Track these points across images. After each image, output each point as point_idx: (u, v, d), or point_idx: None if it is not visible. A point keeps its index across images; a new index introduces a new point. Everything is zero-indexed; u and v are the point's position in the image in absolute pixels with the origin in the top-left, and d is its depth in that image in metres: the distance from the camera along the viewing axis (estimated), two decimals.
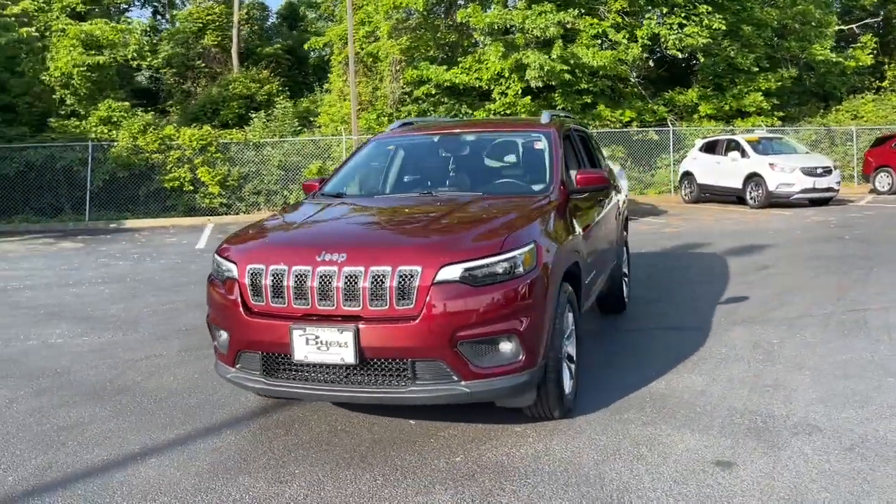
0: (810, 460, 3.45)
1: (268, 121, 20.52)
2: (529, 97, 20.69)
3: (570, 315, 4.24)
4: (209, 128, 19.56)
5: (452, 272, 3.44)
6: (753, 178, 16.87)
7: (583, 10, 20.84)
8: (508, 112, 21.01)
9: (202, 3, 27.20)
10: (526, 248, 3.65)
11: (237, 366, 3.81)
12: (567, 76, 20.15)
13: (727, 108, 21.92)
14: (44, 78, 19.07)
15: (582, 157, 5.61)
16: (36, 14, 21.01)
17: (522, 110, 20.71)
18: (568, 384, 4.06)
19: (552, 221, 4.19)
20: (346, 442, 3.85)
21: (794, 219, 14.49)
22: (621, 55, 20.51)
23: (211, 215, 18.62)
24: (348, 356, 3.44)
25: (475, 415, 4.05)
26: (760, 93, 21.71)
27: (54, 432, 4.11)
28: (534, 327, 3.60)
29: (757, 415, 4.06)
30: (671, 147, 21.45)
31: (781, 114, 22.68)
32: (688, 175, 19.14)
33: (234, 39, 25.50)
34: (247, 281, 3.68)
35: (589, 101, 21.43)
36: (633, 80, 22.60)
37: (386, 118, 20.97)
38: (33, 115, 19.36)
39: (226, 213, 19.14)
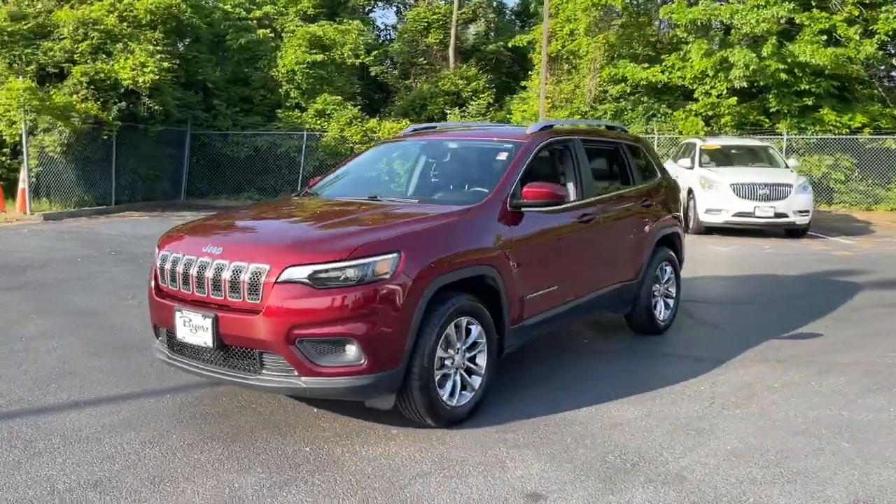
0: None
1: (462, 117, 21.31)
2: (735, 98, 19.19)
3: (477, 328, 4.23)
4: (408, 122, 20.83)
5: (297, 273, 3.67)
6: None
7: (811, 3, 18.84)
8: (711, 114, 19.70)
9: (431, 2, 28.82)
10: (384, 257, 3.75)
11: (158, 339, 4.38)
12: (783, 76, 18.38)
13: None
14: (273, 73, 21.64)
15: (578, 171, 5.37)
16: (275, 17, 23.85)
17: (726, 111, 19.29)
18: (466, 395, 4.17)
19: (454, 233, 4.20)
20: (226, 421, 4.26)
21: None
22: (850, 52, 18.23)
23: None
24: (209, 340, 3.84)
25: (386, 414, 4.16)
26: None
27: None
28: (382, 333, 3.70)
29: (628, 459, 3.77)
30: None
31: None
32: None
33: (452, 37, 26.66)
34: (157, 264, 4.23)
35: (810, 103, 19.31)
36: (870, 80, 19.95)
37: (579, 116, 20.75)
38: (266, 106, 22.06)
39: None
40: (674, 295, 6.55)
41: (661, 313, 6.35)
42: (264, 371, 3.79)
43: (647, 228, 6.06)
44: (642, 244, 6.01)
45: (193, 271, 3.94)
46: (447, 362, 4.12)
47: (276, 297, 3.66)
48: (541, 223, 4.87)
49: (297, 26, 22.45)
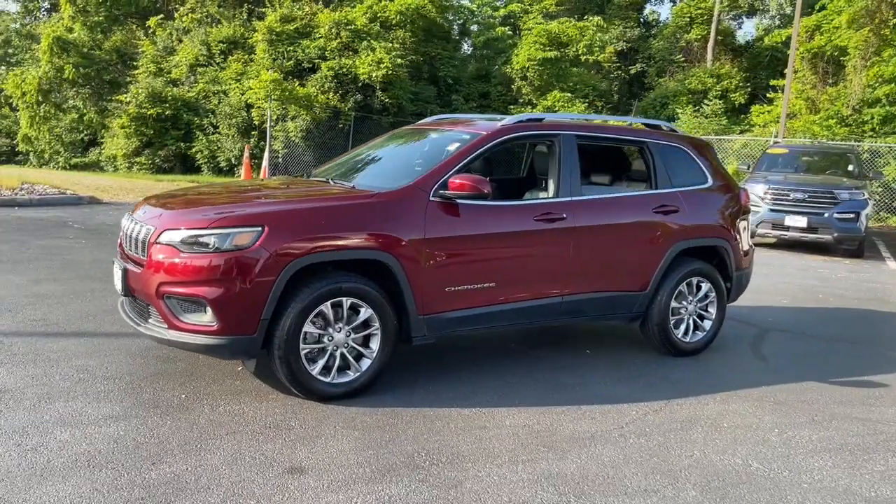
0: None
1: (695, 116, 20.02)
2: None
3: (367, 311, 4.36)
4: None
5: (171, 236, 4.14)
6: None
7: None
8: None
9: None
10: (244, 230, 4.06)
11: None
12: None
13: None
14: (507, 70, 22.31)
15: (559, 168, 5.11)
16: (520, 15, 24.46)
17: None
18: (349, 374, 4.33)
19: (340, 216, 4.36)
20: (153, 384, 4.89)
21: None
22: None
23: None
24: (119, 287, 4.51)
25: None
26: None
27: None
28: (234, 300, 4.01)
29: (431, 458, 3.67)
30: None
31: None
32: None
33: (712, 33, 24.98)
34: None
35: None
36: None
37: (833, 121, 18.31)
38: (502, 102, 22.86)
39: None
40: (712, 316, 5.84)
41: (686, 333, 5.72)
42: (150, 321, 4.33)
43: (661, 236, 5.51)
44: (653, 253, 5.48)
45: (128, 229, 4.63)
46: (325, 339, 4.31)
47: (153, 255, 4.17)
48: (478, 217, 4.76)
49: (536, 23, 22.83)
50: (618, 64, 26.08)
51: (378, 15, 20.67)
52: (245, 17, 21.56)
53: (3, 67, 26.78)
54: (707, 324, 5.83)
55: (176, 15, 22.40)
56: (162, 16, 22.66)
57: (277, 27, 19.49)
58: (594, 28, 22.15)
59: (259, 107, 17.92)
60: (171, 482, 3.25)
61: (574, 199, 5.16)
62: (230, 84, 18.74)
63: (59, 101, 22.77)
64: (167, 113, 18.57)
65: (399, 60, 19.18)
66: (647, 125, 6.06)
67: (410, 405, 4.36)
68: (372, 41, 19.46)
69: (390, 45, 19.52)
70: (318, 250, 4.22)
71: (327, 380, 4.33)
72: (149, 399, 4.20)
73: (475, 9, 23.78)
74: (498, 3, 24.39)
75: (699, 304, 5.78)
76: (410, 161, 5.30)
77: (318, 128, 18.08)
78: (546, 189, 5.45)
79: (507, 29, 23.20)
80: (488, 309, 4.84)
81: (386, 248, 4.39)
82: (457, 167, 4.78)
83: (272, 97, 17.21)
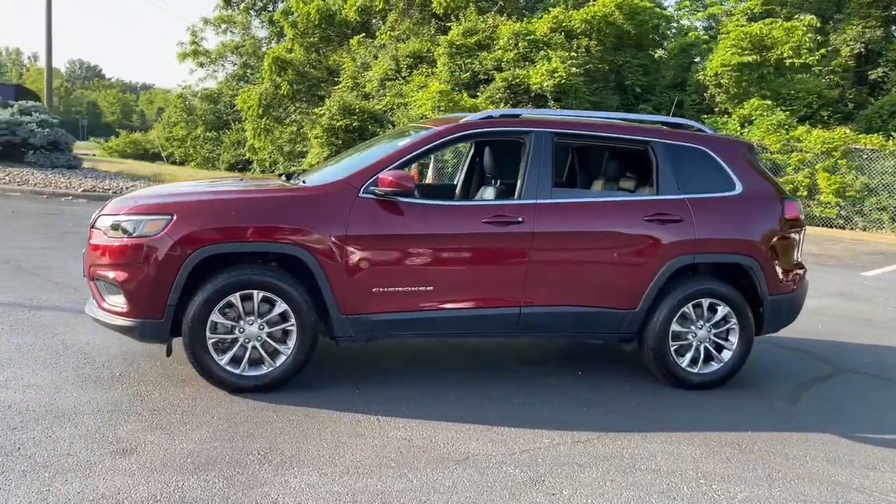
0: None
1: None
2: None
3: (281, 305, 4.37)
4: (846, 130, 17.80)
5: (102, 221, 4.45)
6: None
7: None
8: None
9: None
10: (154, 217, 4.27)
11: None
12: None
13: None
14: (700, 78, 20.69)
15: (526, 167, 4.72)
16: (721, 18, 22.60)
17: None
18: (262, 367, 4.38)
19: (256, 208, 4.41)
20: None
21: None
22: None
23: (829, 227, 17.36)
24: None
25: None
26: None
27: None
28: (139, 284, 4.23)
29: (270, 457, 3.56)
30: None
31: None
32: None
33: None
34: None
35: None
36: None
37: None
38: (696, 111, 21.26)
39: (842, 228, 17.39)
40: (732, 346, 5.01)
41: (694, 363, 4.98)
42: (90, 300, 4.69)
43: (653, 247, 4.84)
44: (643, 266, 4.84)
45: None
46: (237, 331, 4.37)
47: (91, 238, 4.50)
48: (417, 216, 4.55)
49: (736, 26, 20.97)
50: (854, 68, 23.13)
51: (563, 24, 20.32)
52: (433, 31, 22.38)
53: (242, 85, 30.40)
54: (726, 355, 5.00)
55: (377, 33, 23.90)
56: (363, 34, 24.29)
57: (458, 40, 19.98)
58: (804, 28, 19.77)
59: (426, 117, 18.50)
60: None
61: (537, 202, 4.71)
62: (412, 96, 19.57)
63: (278, 115, 25.32)
64: (355, 124, 19.85)
65: (574, 69, 18.70)
66: (666, 124, 5.35)
67: (310, 404, 4.29)
68: (549, 50, 19.20)
69: (567, 54, 19.11)
70: (224, 240, 4.29)
71: (236, 371, 4.39)
72: (73, 373, 4.54)
73: (670, 14, 22.46)
74: (697, 7, 22.81)
75: (715, 331, 4.98)
76: (371, 159, 5.19)
77: None
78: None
79: (704, 33, 21.61)
80: (426, 314, 4.60)
81: (299, 243, 4.35)
82: (395, 164, 4.60)
83: (439, 108, 17.69)
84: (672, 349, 4.94)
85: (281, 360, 4.43)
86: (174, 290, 4.24)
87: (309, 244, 4.36)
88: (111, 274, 4.31)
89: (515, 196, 4.79)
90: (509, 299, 4.71)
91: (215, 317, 4.32)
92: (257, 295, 4.35)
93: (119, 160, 30.86)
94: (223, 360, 4.36)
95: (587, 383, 5.00)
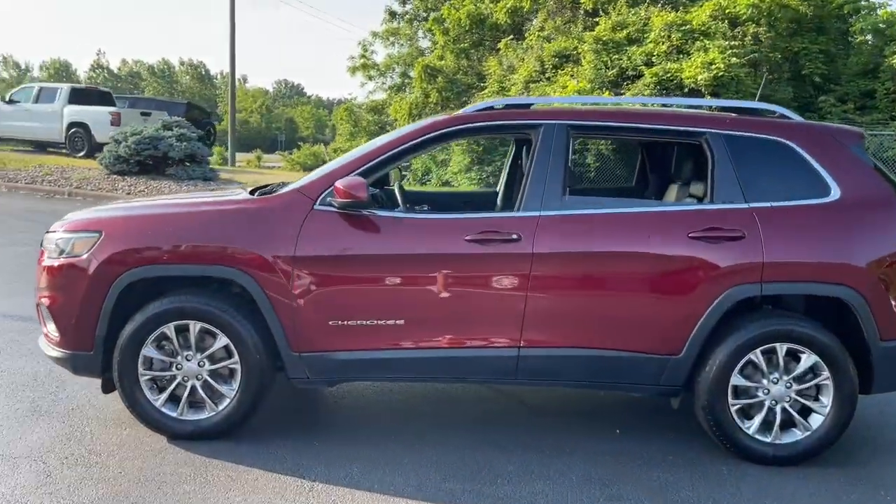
0: None
1: None
2: None
3: (222, 339, 3.76)
4: None
5: (46, 240, 4.01)
6: None
7: None
8: None
9: None
10: (83, 235, 3.78)
11: None
12: None
13: None
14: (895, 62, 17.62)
15: (530, 171, 3.72)
16: None
17: None
18: (204, 412, 3.79)
19: (191, 224, 3.79)
20: None
21: None
22: None
23: None
24: None
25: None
26: None
27: None
28: (67, 311, 3.77)
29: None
30: None
31: None
32: None
33: None
34: None
35: None
36: None
37: None
38: (890, 102, 18.19)
39: None
40: (823, 409, 3.69)
41: (766, 429, 3.77)
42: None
43: (703, 273, 3.63)
44: (689, 298, 3.66)
45: None
46: (174, 367, 3.78)
47: (40, 258, 4.08)
48: (386, 232, 3.73)
49: None
50: None
51: (726, 10, 18.23)
52: (580, 29, 21.05)
53: (403, 95, 30.73)
54: (815, 420, 3.69)
55: (526, 34, 22.97)
56: (512, 36, 23.44)
57: (606, 35, 18.57)
58: None
59: None
60: None
61: (541, 214, 3.69)
62: (553, 97, 18.45)
63: None
64: None
65: (735, 59, 16.62)
66: (737, 110, 4.08)
67: (245, 460, 3.62)
68: (706, 41, 17.25)
69: (727, 43, 17.05)
70: (154, 262, 3.70)
71: (173, 414, 3.80)
72: (29, 398, 4.17)
73: None
74: None
75: (798, 388, 3.68)
76: (339, 162, 4.42)
77: None
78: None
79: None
80: (397, 354, 3.75)
81: (238, 265, 3.66)
82: (362, 168, 3.79)
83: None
84: (733, 409, 3.69)
85: (224, 403, 3.77)
86: (102, 318, 3.73)
87: (249, 266, 3.66)
88: (45, 299, 3.87)
89: (515, 207, 3.78)
90: (504, 338, 3.73)
91: (149, 350, 3.76)
92: (194, 326, 3.72)
93: (263, 171, 32.02)
94: (159, 400, 3.78)
95: (615, 446, 3.87)
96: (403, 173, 5.42)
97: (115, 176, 15.67)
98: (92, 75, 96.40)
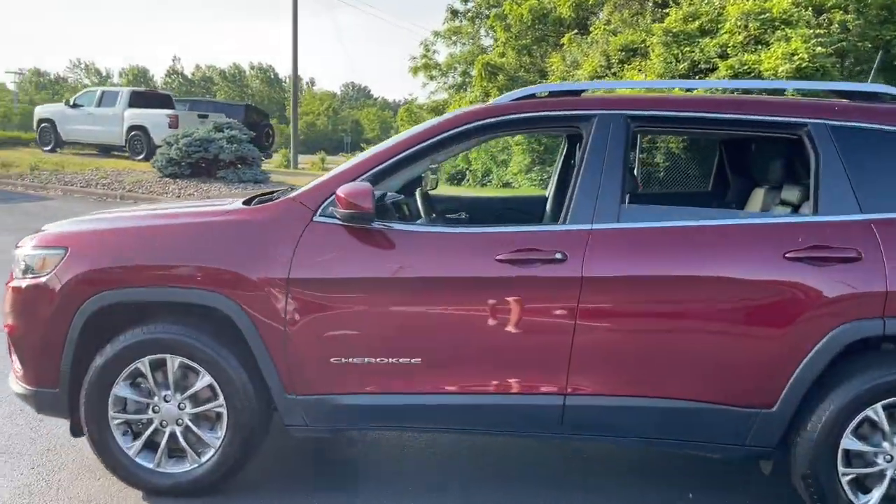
0: None
1: None
2: None
3: (205, 378, 3.14)
4: None
5: (15, 256, 3.47)
6: None
7: None
8: None
9: None
10: (47, 252, 3.21)
11: None
12: None
13: None
14: None
15: (579, 175, 2.97)
16: None
17: None
18: (185, 464, 3.19)
19: (168, 239, 3.17)
20: None
21: None
22: None
23: None
24: None
25: None
26: None
27: None
28: (28, 340, 3.21)
29: None
30: None
31: None
32: None
33: None
34: None
35: None
36: None
37: None
38: None
39: None
40: None
41: None
42: None
43: (805, 305, 2.81)
44: (786, 337, 2.84)
45: None
46: (151, 410, 3.18)
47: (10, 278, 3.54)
48: (399, 250, 3.03)
49: None
50: None
51: None
52: (649, 21, 19.95)
53: (464, 94, 30.11)
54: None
55: (592, 28, 22.00)
56: (576, 31, 22.49)
57: (676, 27, 17.46)
58: None
59: None
60: None
61: (593, 227, 2.93)
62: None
63: None
64: None
65: (820, 49, 15.31)
66: (848, 94, 3.25)
67: None
68: (788, 30, 15.97)
69: (812, 31, 15.74)
70: (123, 284, 3.10)
71: (149, 465, 3.19)
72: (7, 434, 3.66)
73: None
74: None
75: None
76: (349, 164, 3.75)
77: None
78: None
79: None
80: (414, 400, 3.04)
81: (220, 288, 3.03)
82: (370, 171, 3.11)
83: None
84: (844, 480, 2.85)
85: (209, 454, 3.15)
86: (66, 350, 3.13)
87: (234, 290, 3.01)
88: (8, 326, 3.32)
89: (561, 218, 3.03)
90: (545, 383, 2.97)
91: (121, 389, 3.16)
92: (172, 361, 3.10)
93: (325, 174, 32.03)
94: (132, 448, 3.18)
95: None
96: (433, 175, 4.65)
97: (167, 179, 15.51)
98: (168, 81, 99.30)
